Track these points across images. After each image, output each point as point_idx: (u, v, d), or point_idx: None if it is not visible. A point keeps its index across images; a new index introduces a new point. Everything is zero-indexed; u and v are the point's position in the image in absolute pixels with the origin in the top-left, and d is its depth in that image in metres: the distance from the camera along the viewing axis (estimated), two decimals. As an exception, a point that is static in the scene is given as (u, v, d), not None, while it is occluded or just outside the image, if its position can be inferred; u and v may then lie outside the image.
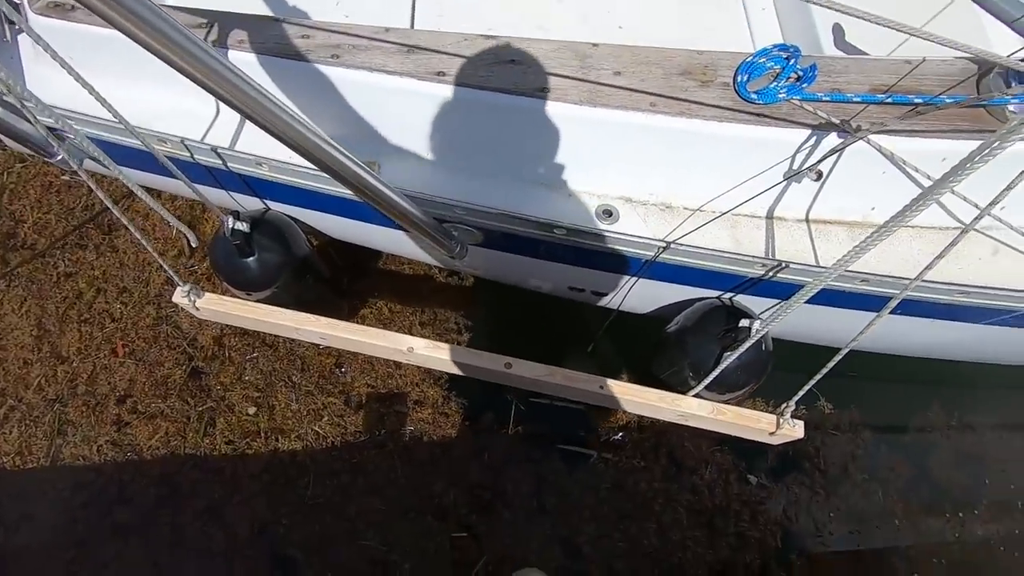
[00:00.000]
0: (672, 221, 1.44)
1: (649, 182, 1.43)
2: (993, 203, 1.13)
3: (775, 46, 1.33)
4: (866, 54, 1.58)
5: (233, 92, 0.80)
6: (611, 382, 1.62)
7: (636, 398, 1.61)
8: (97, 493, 1.97)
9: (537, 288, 1.92)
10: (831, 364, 1.40)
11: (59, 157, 1.53)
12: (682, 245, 1.38)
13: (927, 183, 1.34)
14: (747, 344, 1.41)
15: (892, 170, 1.34)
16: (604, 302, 1.85)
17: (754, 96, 1.28)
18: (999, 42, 1.60)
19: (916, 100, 1.27)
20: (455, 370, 1.71)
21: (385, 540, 1.95)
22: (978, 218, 1.14)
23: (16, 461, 2.01)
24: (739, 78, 1.30)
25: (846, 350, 1.36)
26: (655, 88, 1.30)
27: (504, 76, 1.30)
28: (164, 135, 1.39)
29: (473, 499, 2.02)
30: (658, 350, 1.83)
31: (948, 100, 1.26)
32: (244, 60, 1.31)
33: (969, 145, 1.30)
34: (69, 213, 2.39)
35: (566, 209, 1.43)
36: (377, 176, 1.11)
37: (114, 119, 1.22)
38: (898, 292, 1.23)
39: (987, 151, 0.90)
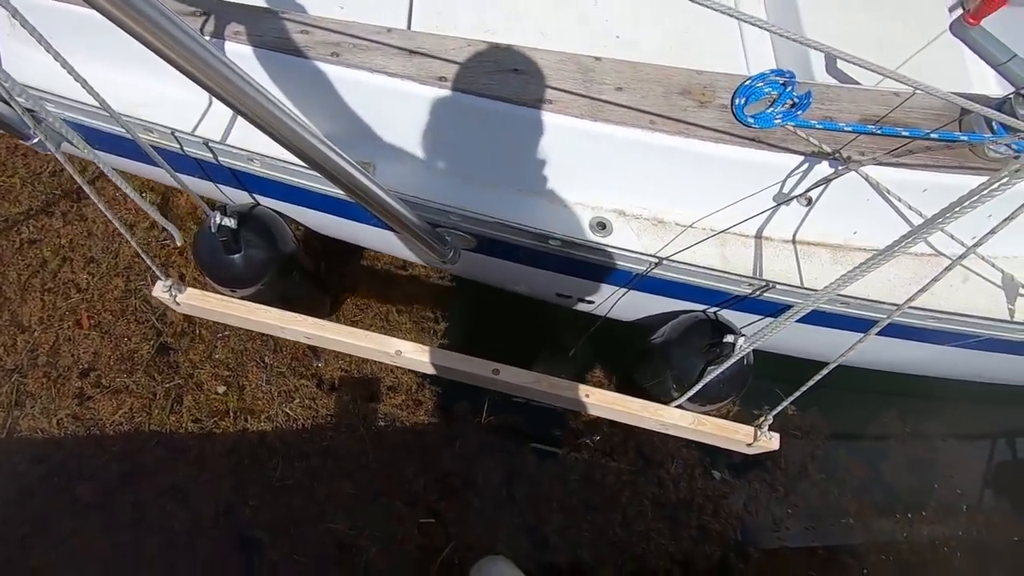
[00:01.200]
0: (664, 236, 1.46)
1: (643, 197, 1.45)
2: (979, 243, 1.17)
3: (772, 71, 1.35)
4: (856, 81, 1.62)
5: (224, 85, 0.77)
6: (596, 391, 1.64)
7: (619, 407, 1.64)
8: (56, 467, 1.93)
9: (524, 292, 1.93)
10: (811, 382, 1.45)
11: (35, 140, 1.46)
12: (673, 261, 1.40)
13: (908, 212, 1.40)
14: (731, 360, 1.44)
15: (876, 198, 1.39)
16: (590, 309, 1.87)
17: (751, 120, 1.31)
18: (979, 76, 1.68)
19: (904, 133, 1.32)
20: (442, 374, 1.71)
21: (354, 524, 1.96)
22: (964, 255, 1.18)
23: None
24: (737, 101, 1.32)
25: (827, 371, 1.40)
26: (655, 106, 1.32)
27: (506, 85, 1.30)
28: (151, 124, 1.33)
29: (443, 486, 2.04)
30: (641, 360, 1.87)
31: (935, 136, 1.31)
32: (240, 52, 1.26)
33: (949, 179, 1.37)
34: (35, 178, 2.30)
35: (560, 220, 1.44)
36: (372, 178, 1.10)
37: (96, 104, 1.17)
38: (884, 317, 1.27)
39: (985, 192, 0.93)
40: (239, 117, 1.35)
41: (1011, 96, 1.27)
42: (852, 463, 2.37)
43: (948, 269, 1.18)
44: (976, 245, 1.17)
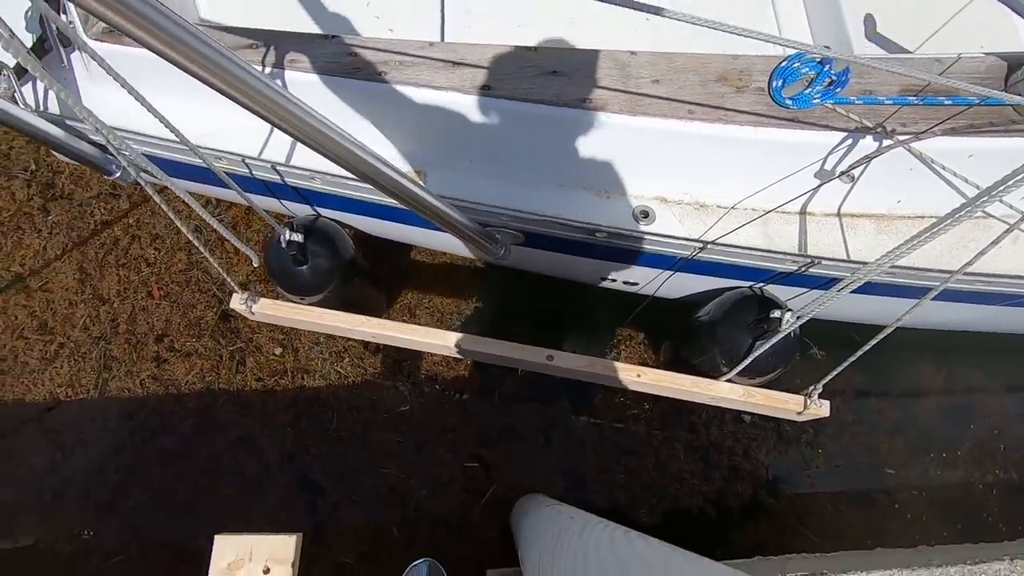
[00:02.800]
0: (706, 220, 1.50)
1: (684, 183, 1.49)
2: None
3: (809, 50, 1.36)
4: (896, 48, 1.61)
5: (280, 113, 0.85)
6: (648, 370, 1.71)
7: (670, 384, 1.71)
8: (141, 422, 2.19)
9: (571, 278, 2.00)
10: (861, 352, 1.49)
11: (117, 174, 1.60)
12: (717, 244, 1.45)
13: (954, 179, 1.40)
14: (779, 336, 1.49)
15: (920, 168, 1.39)
16: (636, 290, 1.93)
17: (789, 102, 1.33)
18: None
19: (946, 102, 1.32)
20: (497, 362, 1.81)
21: (403, 469, 2.16)
22: (1019, 222, 1.19)
23: (68, 392, 2.23)
24: (774, 83, 1.34)
25: (877, 340, 1.44)
26: (693, 96, 1.35)
27: (547, 88, 1.35)
28: (222, 153, 1.45)
29: (483, 435, 2.21)
30: (688, 336, 1.92)
31: (977, 102, 1.31)
32: (297, 79, 1.35)
33: (995, 142, 1.36)
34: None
35: (604, 212, 1.49)
36: (423, 187, 1.19)
37: (170, 136, 1.28)
38: (937, 284, 1.30)
39: None
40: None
41: (1058, 55, 1.25)
42: (884, 406, 2.39)
43: (1004, 235, 1.20)
44: None
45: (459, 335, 1.72)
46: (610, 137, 1.39)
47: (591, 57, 1.38)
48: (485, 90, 1.34)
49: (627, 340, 2.36)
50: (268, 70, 1.38)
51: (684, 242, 1.45)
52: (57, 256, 2.38)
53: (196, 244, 1.37)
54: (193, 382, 2.22)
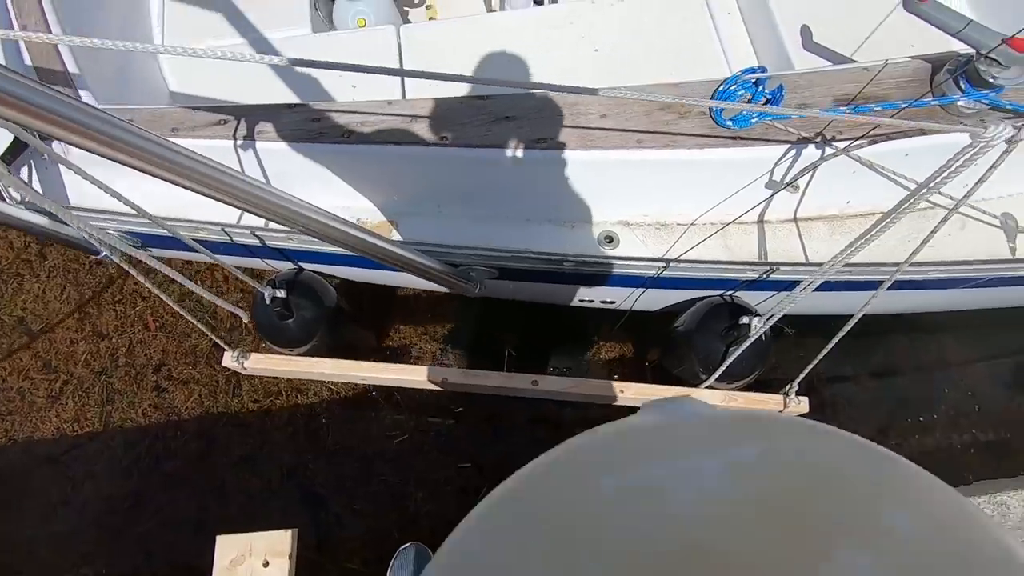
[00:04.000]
0: (668, 238, 1.58)
1: (643, 206, 1.57)
2: (968, 195, 1.25)
3: (743, 71, 1.45)
4: (836, 57, 1.70)
5: (241, 196, 0.93)
6: (630, 385, 1.78)
7: (655, 395, 1.78)
8: (145, 450, 2.28)
9: (549, 302, 2.07)
10: (826, 350, 1.56)
11: (103, 254, 1.66)
12: (679, 261, 1.52)
13: (895, 176, 1.48)
14: (749, 340, 1.56)
15: (862, 170, 1.47)
16: (613, 307, 2.00)
17: (729, 123, 1.41)
18: (944, 46, 1.73)
19: (876, 108, 1.40)
20: (487, 391, 1.87)
21: (400, 474, 2.24)
22: (951, 213, 1.26)
23: (75, 427, 2.33)
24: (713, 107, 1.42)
25: (843, 333, 1.51)
26: (640, 125, 1.43)
27: (501, 132, 1.43)
28: (202, 224, 1.52)
29: (474, 435, 2.28)
30: (668, 347, 1.99)
31: (905, 105, 1.39)
32: (269, 149, 1.43)
33: (927, 140, 1.44)
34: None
35: (572, 240, 1.57)
36: (392, 241, 1.26)
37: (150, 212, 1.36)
38: (887, 277, 1.37)
39: (974, 153, 1.03)
40: (273, 203, 1.53)
41: (972, 56, 1.33)
42: (860, 378, 2.45)
43: (934, 232, 1.28)
44: (964, 200, 1.25)
45: (447, 370, 1.79)
46: (568, 172, 1.47)
47: (540, 99, 1.46)
48: (443, 140, 1.42)
49: (615, 354, 2.42)
50: (239, 142, 1.45)
51: (649, 262, 1.52)
52: (56, 297, 2.49)
53: (181, 312, 1.43)
54: (192, 408, 2.32)
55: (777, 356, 2.13)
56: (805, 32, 1.79)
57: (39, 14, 1.49)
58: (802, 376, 1.69)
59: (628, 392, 1.77)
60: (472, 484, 2.22)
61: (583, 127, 1.43)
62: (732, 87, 1.42)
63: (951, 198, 1.44)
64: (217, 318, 2.44)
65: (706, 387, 1.77)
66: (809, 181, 1.53)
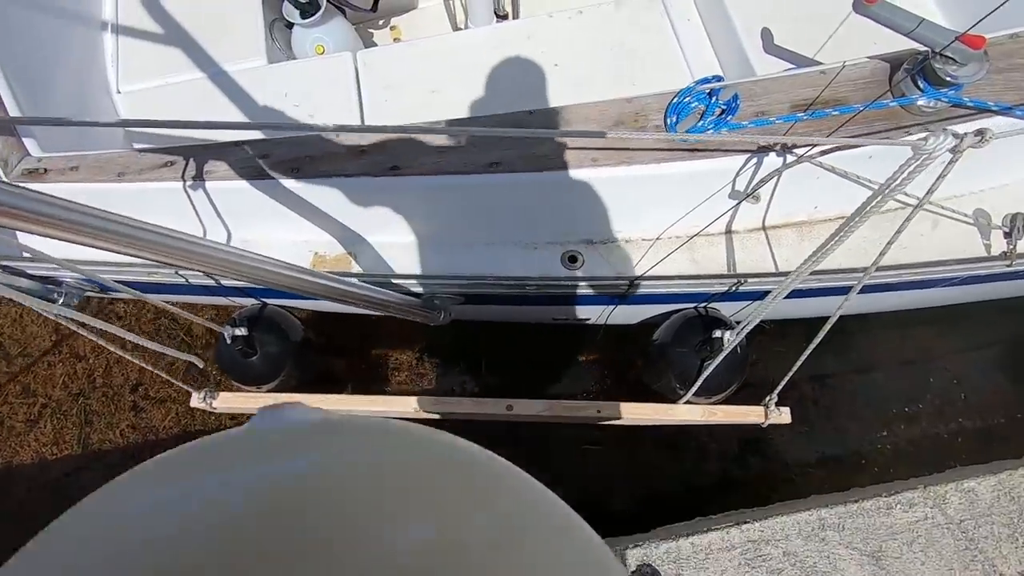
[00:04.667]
0: (634, 254, 1.54)
1: (605, 223, 1.53)
2: (930, 192, 1.20)
3: (697, 82, 1.42)
4: (798, 59, 1.67)
5: (183, 256, 0.89)
6: (607, 404, 1.74)
7: (632, 414, 1.73)
8: (124, 470, 2.20)
9: (523, 321, 2.03)
10: (801, 359, 1.52)
11: (60, 301, 1.64)
12: (645, 278, 1.49)
13: (860, 180, 1.44)
14: (722, 355, 1.52)
15: (826, 175, 1.44)
16: (588, 323, 1.97)
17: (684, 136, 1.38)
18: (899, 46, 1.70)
19: (834, 112, 1.36)
20: (461, 417, 1.83)
21: None
22: (914, 213, 1.22)
23: (53, 451, 2.33)
24: (668, 120, 1.39)
25: (814, 344, 1.47)
26: (594, 143, 1.40)
27: (453, 158, 1.40)
28: (155, 269, 1.49)
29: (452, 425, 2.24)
30: (646, 361, 1.95)
31: (861, 108, 1.35)
32: (219, 188, 1.40)
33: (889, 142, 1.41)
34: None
35: (535, 262, 1.53)
36: (349, 281, 1.22)
37: (107, 259, 1.33)
38: (856, 283, 1.33)
39: (916, 166, 0.99)
40: (232, 242, 1.50)
41: (928, 55, 1.30)
42: (843, 372, 2.41)
43: (898, 233, 1.24)
44: (918, 207, 1.21)
45: (419, 399, 1.75)
46: (524, 194, 1.44)
47: (491, 122, 1.43)
48: (394, 170, 1.39)
49: (596, 370, 2.38)
50: (189, 183, 1.42)
51: (613, 281, 1.48)
52: (33, 320, 2.49)
53: (136, 361, 1.40)
54: (170, 426, 2.31)
55: (758, 352, 2.11)
56: (766, 36, 1.76)
57: (-19, 63, 1.47)
58: (780, 386, 1.65)
59: (605, 412, 1.73)
60: None
61: (535, 150, 1.40)
62: (686, 99, 1.39)
63: (917, 198, 1.40)
64: (193, 339, 2.43)
65: (684, 402, 1.73)
66: (775, 189, 1.50)
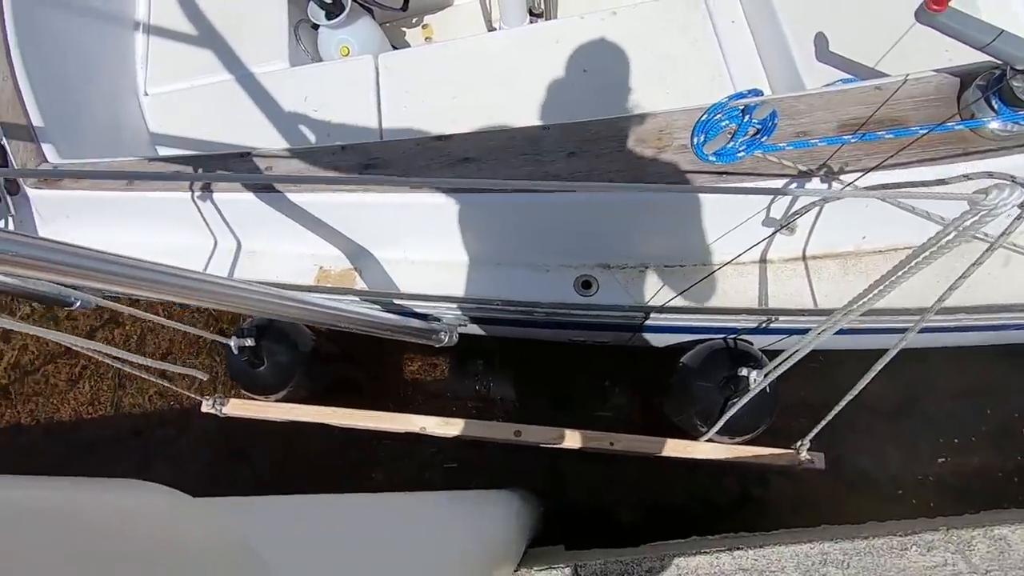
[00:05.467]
0: (653, 283, 1.42)
1: (624, 247, 1.42)
2: (1005, 234, 1.03)
3: (730, 97, 1.28)
4: (853, 67, 1.49)
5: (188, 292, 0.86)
6: (621, 436, 1.63)
7: (649, 448, 1.62)
8: (150, 435, 2.47)
9: (536, 339, 1.94)
10: (844, 402, 1.36)
11: (76, 304, 1.66)
12: (662, 310, 1.37)
13: (917, 210, 1.27)
14: (747, 396, 1.39)
15: (876, 203, 1.27)
16: (608, 345, 1.86)
17: (713, 158, 1.24)
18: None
19: (887, 136, 1.20)
20: (469, 439, 1.77)
21: (389, 475, 2.25)
22: (988, 252, 1.05)
23: (89, 410, 2.53)
24: (695, 139, 1.26)
25: (857, 391, 1.31)
26: (612, 163, 1.28)
27: (460, 175, 1.32)
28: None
29: (458, 440, 2.21)
30: (668, 392, 1.82)
31: (923, 131, 1.18)
32: (225, 200, 1.38)
33: (956, 168, 1.23)
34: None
35: (546, 286, 1.44)
36: (348, 309, 1.17)
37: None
38: (910, 326, 1.16)
39: (974, 221, 0.85)
40: (242, 253, 1.49)
41: (1006, 71, 1.11)
42: (884, 390, 2.15)
43: (964, 276, 1.07)
44: (999, 240, 1.04)
45: (426, 418, 1.69)
46: (532, 214, 1.35)
47: (504, 137, 1.34)
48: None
49: (616, 395, 2.26)
50: (198, 194, 1.41)
51: (628, 312, 1.37)
52: None
53: (146, 376, 1.41)
54: (193, 397, 2.37)
55: (790, 377, 1.92)
56: (819, 42, 1.58)
57: (6, 67, 1.49)
58: (817, 429, 1.49)
59: (619, 444, 1.62)
60: (459, 483, 2.17)
61: (548, 168, 1.30)
62: (716, 117, 1.25)
63: (987, 236, 1.22)
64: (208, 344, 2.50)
65: (706, 440, 1.60)
66: (817, 216, 1.34)
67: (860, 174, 1.21)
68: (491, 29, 2.37)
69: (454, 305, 1.44)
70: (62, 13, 1.73)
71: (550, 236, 1.41)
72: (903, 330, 1.17)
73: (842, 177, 1.22)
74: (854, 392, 1.33)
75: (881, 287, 1.07)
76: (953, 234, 0.87)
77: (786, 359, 1.29)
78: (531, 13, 2.23)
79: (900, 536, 1.54)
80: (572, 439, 1.64)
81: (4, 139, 1.47)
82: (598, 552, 1.70)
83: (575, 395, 2.26)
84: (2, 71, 1.48)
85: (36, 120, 1.48)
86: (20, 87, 1.47)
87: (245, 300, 0.96)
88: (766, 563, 1.56)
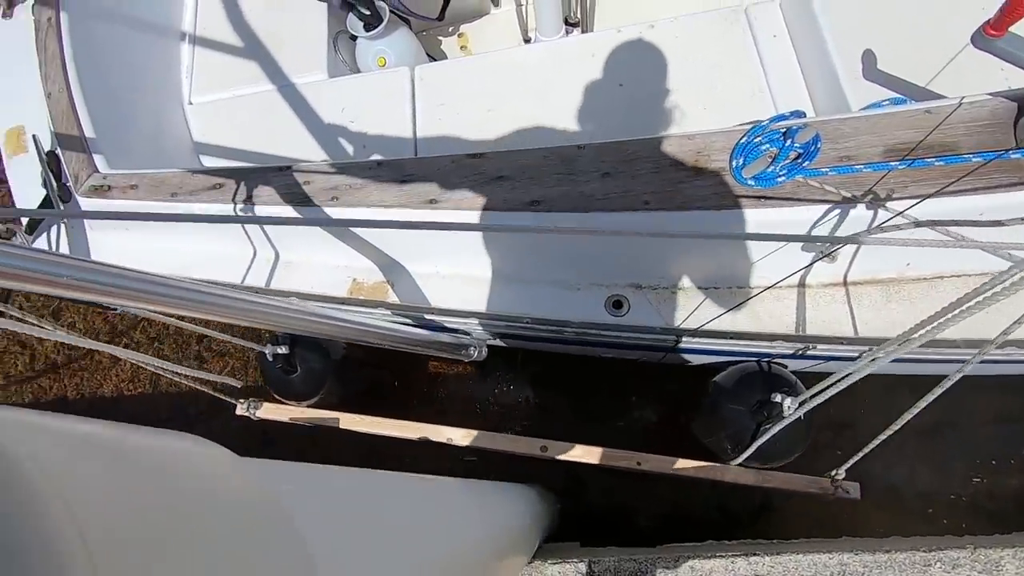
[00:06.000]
0: (686, 304, 1.40)
1: (657, 268, 1.40)
2: None
3: (771, 120, 1.25)
4: (904, 86, 1.44)
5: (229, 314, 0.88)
6: (648, 457, 1.62)
7: (677, 469, 1.60)
8: (186, 410, 2.58)
9: (566, 352, 1.93)
10: (887, 433, 1.31)
11: (118, 309, 1.73)
12: (695, 333, 1.35)
13: (968, 236, 1.22)
14: (780, 424, 1.35)
15: (923, 230, 1.23)
16: (639, 361, 1.84)
17: (752, 182, 1.21)
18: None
19: (937, 163, 1.15)
20: (495, 450, 1.78)
21: (413, 468, 2.20)
22: None
23: (129, 387, 2.68)
24: (734, 163, 1.23)
25: (900, 423, 1.27)
26: (647, 184, 1.27)
27: (493, 194, 1.32)
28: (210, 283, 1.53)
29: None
30: (699, 413, 1.80)
31: (979, 160, 1.13)
32: (265, 213, 1.41)
33: (1010, 197, 1.17)
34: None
35: (576, 304, 1.43)
36: (376, 325, 1.18)
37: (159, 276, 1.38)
38: (969, 359, 1.11)
39: (1012, 282, 0.82)
40: (280, 262, 1.52)
41: (1071, 99, 1.06)
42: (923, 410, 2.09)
43: None
44: None
45: (452, 430, 1.71)
46: (565, 236, 1.34)
47: (538, 156, 1.34)
48: (432, 204, 1.34)
49: (647, 412, 2.24)
50: (240, 206, 1.44)
51: (659, 335, 1.36)
52: None
53: (184, 380, 1.45)
54: (228, 400, 2.49)
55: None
56: (867, 59, 1.53)
57: (62, 79, 1.56)
58: (856, 459, 1.44)
59: (646, 465, 1.61)
60: (477, 474, 2.12)
61: (583, 189, 1.29)
62: (756, 139, 1.23)
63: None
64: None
65: (737, 464, 1.57)
66: (858, 249, 1.30)
67: (910, 202, 1.17)
68: (526, 38, 2.37)
69: (483, 321, 1.44)
70: (114, 26, 1.80)
71: (580, 255, 1.40)
72: (948, 359, 1.13)
73: (889, 205, 1.18)
74: (899, 424, 1.29)
75: (940, 320, 1.02)
76: (1004, 284, 0.83)
77: (826, 389, 1.25)
78: (567, 23, 2.22)
79: (924, 551, 1.48)
80: (597, 456, 1.64)
81: (59, 149, 1.53)
82: (612, 550, 1.69)
83: (600, 407, 2.24)
84: (58, 84, 1.55)
85: (88, 131, 1.53)
86: (75, 99, 1.53)
87: (280, 319, 0.98)
88: (782, 570, 1.52)
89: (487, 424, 2.27)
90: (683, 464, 1.60)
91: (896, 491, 2.06)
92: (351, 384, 1.90)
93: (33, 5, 1.66)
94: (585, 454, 1.63)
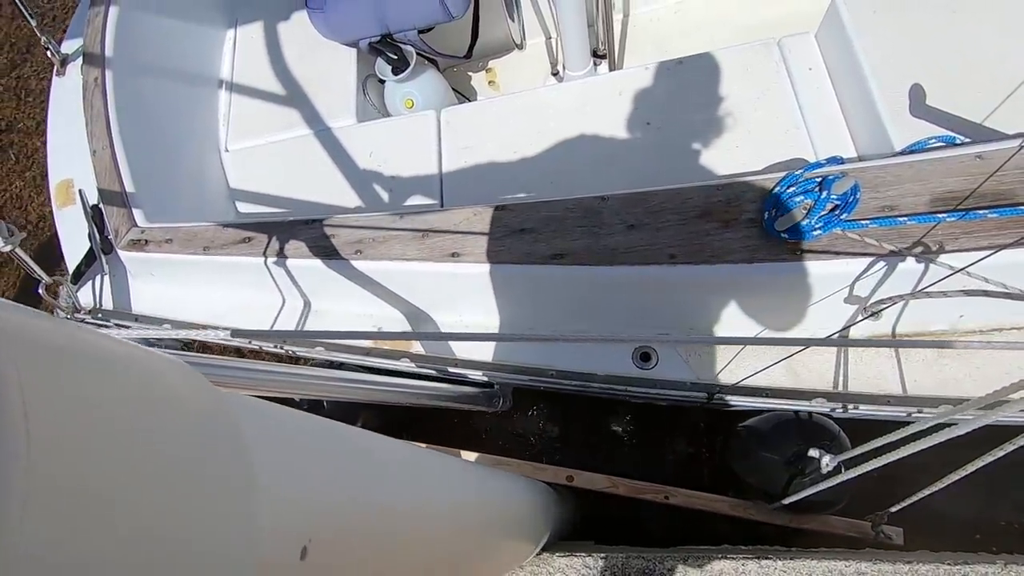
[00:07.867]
0: (718, 358, 1.35)
1: (685, 321, 1.35)
2: None
3: (805, 168, 1.19)
4: (952, 124, 1.35)
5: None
6: (678, 491, 1.56)
7: (705, 506, 1.54)
8: None
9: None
10: (936, 487, 1.20)
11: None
12: (727, 390, 1.29)
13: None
14: (817, 486, 1.27)
15: (976, 283, 1.14)
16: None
17: (785, 235, 1.16)
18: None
19: (990, 215, 1.07)
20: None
21: None
22: None
23: None
24: (766, 215, 1.18)
25: (956, 476, 1.16)
26: (673, 237, 1.23)
27: (516, 247, 1.30)
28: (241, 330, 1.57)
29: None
30: (732, 454, 1.72)
31: (1036, 212, 1.05)
32: (293, 266, 1.44)
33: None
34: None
35: (601, 356, 1.40)
36: (404, 384, 1.18)
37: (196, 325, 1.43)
38: None
39: None
40: (311, 311, 1.54)
41: None
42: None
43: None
44: None
45: (474, 455, 1.70)
46: (590, 289, 1.31)
47: (560, 208, 1.31)
48: (454, 257, 1.33)
49: (679, 446, 2.16)
50: (272, 259, 1.46)
51: (691, 392, 1.30)
52: None
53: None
54: None
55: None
56: (914, 95, 1.44)
57: (106, 138, 1.63)
58: (903, 504, 1.33)
59: (674, 500, 1.55)
60: None
61: (606, 242, 1.26)
62: (789, 189, 1.17)
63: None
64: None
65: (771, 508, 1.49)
66: (906, 304, 1.22)
67: (961, 256, 1.09)
68: (555, 71, 2.36)
69: (508, 375, 1.42)
70: (157, 80, 1.88)
71: (606, 307, 1.36)
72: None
73: (940, 259, 1.10)
74: (960, 474, 1.17)
75: (995, 400, 0.94)
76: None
77: (874, 452, 1.15)
78: (595, 55, 2.19)
79: (948, 565, 1.34)
80: (624, 488, 1.59)
81: (102, 204, 1.60)
82: (622, 548, 1.63)
83: (634, 439, 2.18)
84: (102, 142, 1.62)
85: (129, 187, 1.60)
86: (117, 157, 1.59)
87: (317, 387, 0.99)
88: (794, 575, 1.41)
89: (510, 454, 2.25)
90: (712, 501, 1.53)
91: (940, 516, 1.87)
92: (388, 410, 1.91)
93: (82, 65, 1.75)
94: (611, 485, 1.59)
